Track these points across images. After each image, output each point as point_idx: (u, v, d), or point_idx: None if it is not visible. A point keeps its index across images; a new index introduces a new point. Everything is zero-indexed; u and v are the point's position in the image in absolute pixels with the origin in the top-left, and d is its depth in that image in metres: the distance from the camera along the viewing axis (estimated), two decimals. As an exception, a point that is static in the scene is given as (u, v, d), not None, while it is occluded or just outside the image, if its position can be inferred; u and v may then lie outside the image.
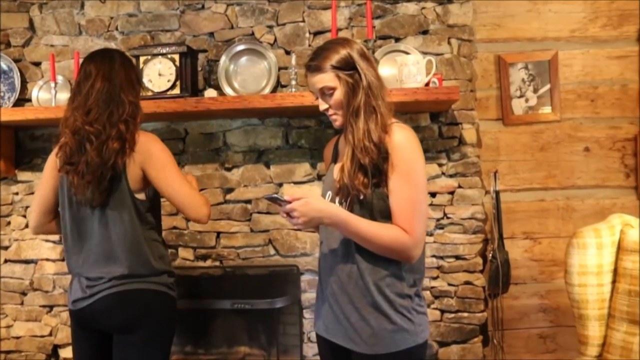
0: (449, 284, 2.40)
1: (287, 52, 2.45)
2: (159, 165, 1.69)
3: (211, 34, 2.50)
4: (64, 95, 2.47)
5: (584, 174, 2.54)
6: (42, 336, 2.57)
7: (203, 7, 2.51)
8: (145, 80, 2.33)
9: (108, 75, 1.68)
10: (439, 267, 2.39)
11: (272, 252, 2.47)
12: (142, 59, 2.35)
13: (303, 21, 2.45)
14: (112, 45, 2.51)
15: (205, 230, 2.48)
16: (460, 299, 2.39)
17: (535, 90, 2.53)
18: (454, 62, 2.39)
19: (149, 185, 1.72)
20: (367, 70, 1.46)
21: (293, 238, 2.45)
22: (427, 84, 2.20)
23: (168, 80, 2.33)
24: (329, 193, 1.53)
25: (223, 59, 2.42)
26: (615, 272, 2.00)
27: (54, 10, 2.56)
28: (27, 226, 2.55)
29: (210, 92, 2.36)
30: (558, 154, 2.54)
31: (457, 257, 2.39)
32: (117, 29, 2.55)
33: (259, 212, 2.47)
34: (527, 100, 2.54)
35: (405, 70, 2.16)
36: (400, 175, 1.40)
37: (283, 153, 2.47)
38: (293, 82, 2.31)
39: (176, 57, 2.33)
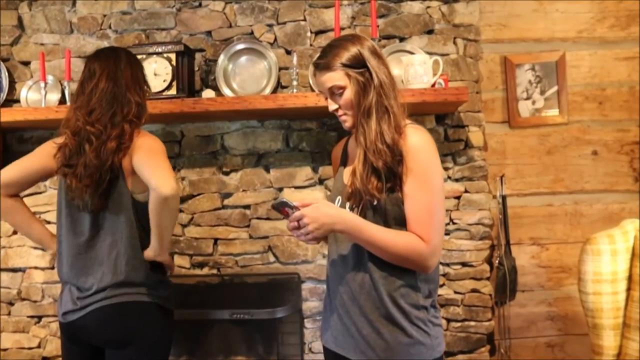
0: (456, 292, 2.32)
1: (288, 52, 2.37)
2: (144, 149, 1.61)
3: (209, 33, 2.41)
4: (54, 96, 2.38)
5: (592, 178, 2.48)
6: (30, 348, 2.45)
7: (200, 4, 2.42)
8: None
9: (113, 75, 1.63)
10: (445, 275, 2.32)
11: (272, 259, 2.38)
12: (137, 58, 2.25)
13: (304, 20, 2.37)
14: (105, 44, 2.41)
15: (202, 237, 2.39)
16: (467, 307, 2.31)
17: (542, 92, 2.47)
18: (460, 62, 2.32)
19: None
20: (378, 69, 1.38)
21: (294, 245, 2.36)
22: (432, 85, 2.13)
23: (164, 80, 2.24)
24: (339, 198, 1.45)
25: (221, 59, 2.33)
26: (629, 279, 1.93)
27: (44, 7, 2.47)
28: (15, 232, 2.43)
29: (208, 93, 2.27)
30: (566, 157, 2.49)
31: (464, 264, 2.32)
32: (110, 27, 2.45)
33: (258, 218, 2.38)
34: (534, 103, 2.48)
35: (412, 70, 2.09)
36: (416, 179, 1.33)
37: (283, 156, 2.38)
38: (294, 83, 2.23)
39: (172, 56, 2.24)
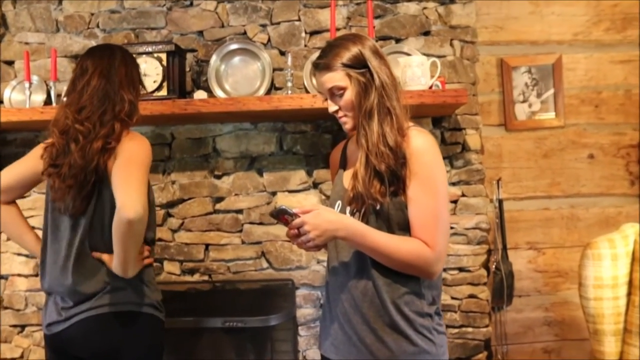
0: (453, 298, 2.28)
1: (282, 53, 2.32)
2: (124, 156, 1.50)
3: (200, 33, 2.35)
4: (39, 97, 2.30)
5: (589, 181, 2.46)
6: (13, 359, 2.36)
7: (191, 4, 2.36)
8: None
9: (106, 73, 1.57)
10: (442, 280, 2.27)
11: (265, 265, 2.32)
12: (125, 58, 2.18)
13: (299, 20, 2.32)
14: (93, 43, 2.34)
15: (193, 243, 2.32)
16: (464, 313, 2.27)
17: (538, 95, 2.45)
18: (457, 64, 2.29)
19: None
20: (380, 69, 1.34)
21: (287, 250, 2.30)
22: (430, 87, 2.09)
23: (154, 81, 2.17)
24: (339, 203, 1.40)
25: (214, 59, 2.27)
26: (630, 284, 1.91)
27: (28, 5, 2.38)
28: (-4, 239, 2.35)
29: (200, 94, 2.20)
30: (562, 160, 2.47)
31: (461, 269, 2.28)
32: (98, 26, 2.37)
33: (251, 223, 2.32)
34: (530, 105, 2.45)
35: (409, 72, 2.05)
36: (420, 183, 1.28)
37: (277, 160, 2.32)
38: (289, 84, 2.17)
39: (163, 56, 2.18)
